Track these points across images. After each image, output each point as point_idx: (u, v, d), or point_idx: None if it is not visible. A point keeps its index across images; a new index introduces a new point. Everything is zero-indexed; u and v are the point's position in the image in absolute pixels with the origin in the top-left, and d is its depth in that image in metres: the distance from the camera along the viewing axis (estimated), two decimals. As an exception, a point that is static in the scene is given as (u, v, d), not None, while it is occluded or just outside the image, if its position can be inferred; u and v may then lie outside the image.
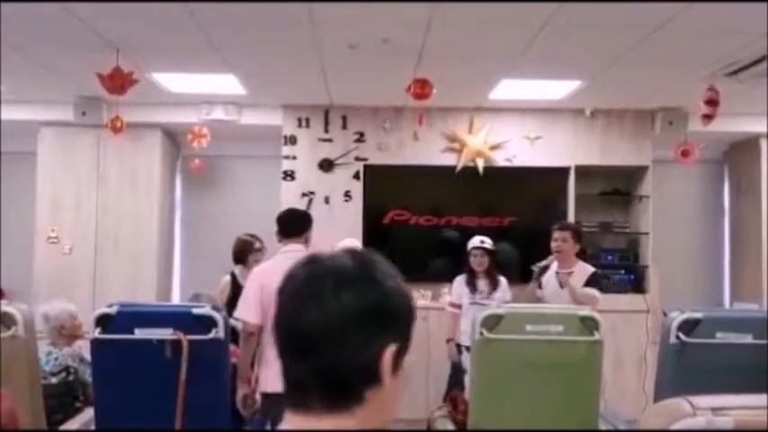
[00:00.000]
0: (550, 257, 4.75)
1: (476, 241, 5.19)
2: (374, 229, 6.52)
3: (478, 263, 5.14)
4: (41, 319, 4.08)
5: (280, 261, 3.68)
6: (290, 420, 1.06)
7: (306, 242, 3.91)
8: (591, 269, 4.76)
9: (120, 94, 4.76)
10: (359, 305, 1.05)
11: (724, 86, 4.87)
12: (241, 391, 3.64)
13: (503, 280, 5.21)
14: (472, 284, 5.15)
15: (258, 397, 3.65)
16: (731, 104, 4.95)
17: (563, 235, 4.75)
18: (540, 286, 4.79)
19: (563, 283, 4.57)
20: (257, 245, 5.50)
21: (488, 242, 5.19)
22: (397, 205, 6.78)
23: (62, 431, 3.51)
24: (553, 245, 4.76)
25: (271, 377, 3.45)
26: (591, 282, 4.62)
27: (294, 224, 3.94)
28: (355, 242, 5.44)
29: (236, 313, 3.68)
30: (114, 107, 5.61)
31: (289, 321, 1.08)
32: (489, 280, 5.16)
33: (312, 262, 1.11)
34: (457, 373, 5.08)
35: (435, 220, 6.73)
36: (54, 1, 3.84)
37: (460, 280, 5.27)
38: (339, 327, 1.04)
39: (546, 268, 4.75)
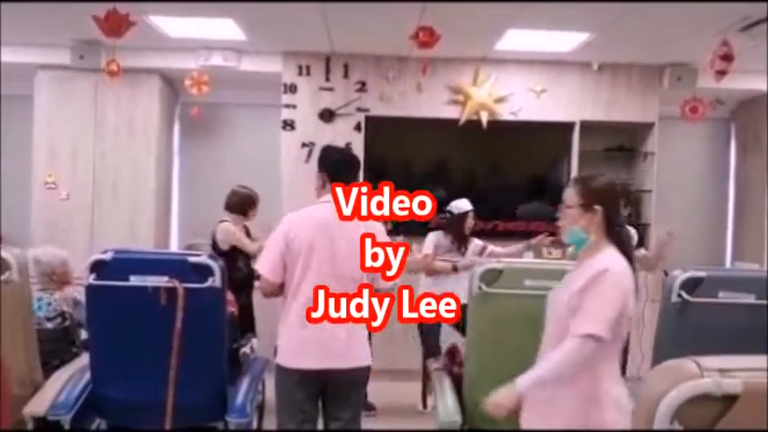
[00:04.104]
0: None
1: (469, 204, 5.19)
2: (374, 183, 6.45)
3: (468, 226, 5.17)
4: (32, 263, 4.04)
5: (315, 209, 3.18)
6: None
7: None
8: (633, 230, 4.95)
9: (117, 37, 4.65)
10: None
11: (734, 42, 4.75)
12: None
13: (474, 239, 5.26)
14: (457, 245, 5.16)
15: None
16: (740, 61, 4.85)
17: None
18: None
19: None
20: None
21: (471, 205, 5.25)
22: (398, 158, 6.70)
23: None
24: None
25: (291, 349, 3.12)
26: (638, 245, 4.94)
27: (349, 169, 3.28)
28: None
29: (257, 265, 3.25)
30: (111, 51, 5.49)
31: None
32: (465, 242, 5.20)
33: None
34: (428, 332, 5.11)
35: (437, 174, 6.67)
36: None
37: (438, 235, 5.21)
38: None
39: None
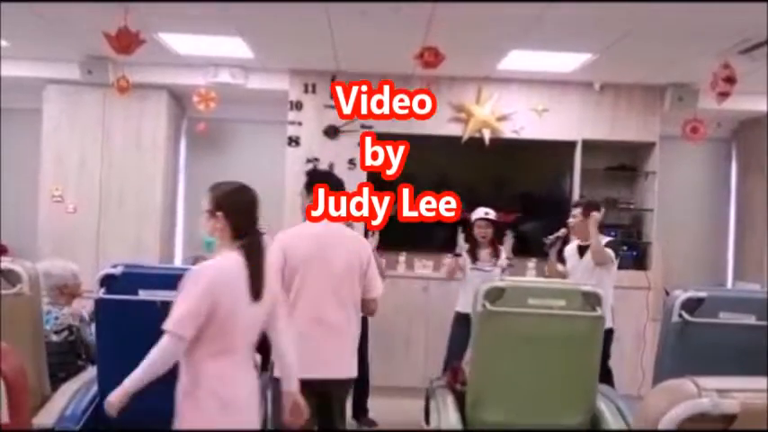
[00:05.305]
0: (562, 230, 4.94)
1: (480, 212, 5.30)
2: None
3: (483, 234, 5.26)
4: (42, 277, 4.08)
5: (309, 226, 3.40)
6: None
7: None
8: (607, 239, 4.96)
9: (127, 54, 4.72)
10: None
11: (735, 64, 4.82)
12: None
13: (503, 249, 5.31)
14: (473, 253, 5.24)
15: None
16: (741, 82, 4.92)
17: (575, 212, 4.98)
18: (563, 261, 4.97)
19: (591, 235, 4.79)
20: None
21: (492, 213, 5.27)
22: (401, 174, 6.74)
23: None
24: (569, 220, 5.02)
25: None
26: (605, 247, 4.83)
27: (340, 189, 3.46)
28: None
29: None
30: (120, 67, 5.57)
31: None
32: (491, 249, 5.27)
33: None
34: (455, 342, 5.16)
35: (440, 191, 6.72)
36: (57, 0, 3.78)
37: (464, 246, 5.33)
38: None
39: (557, 240, 4.92)
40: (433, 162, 6.72)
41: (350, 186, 3.74)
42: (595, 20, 4.60)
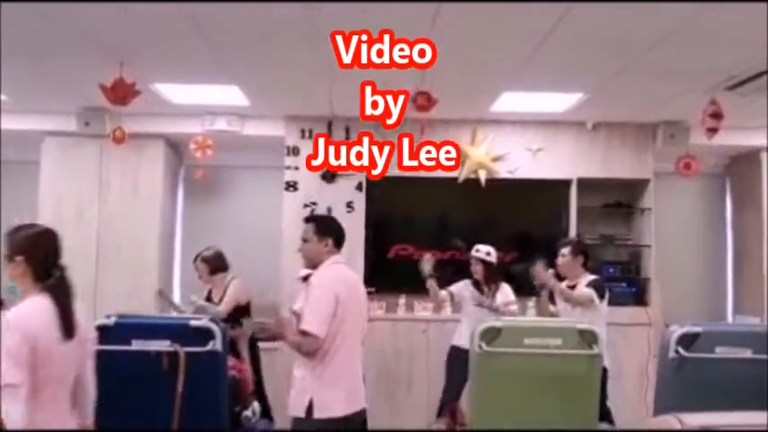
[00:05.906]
0: (550, 271, 4.91)
1: (473, 249, 5.44)
2: (376, 240, 6.53)
3: (474, 270, 5.43)
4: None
5: (340, 269, 3.58)
6: None
7: None
8: (591, 277, 4.93)
9: (123, 105, 4.79)
10: None
11: (725, 100, 4.88)
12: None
13: (504, 285, 5.44)
14: (478, 288, 5.40)
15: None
16: (732, 118, 4.97)
17: (561, 251, 5.00)
18: (553, 301, 4.99)
19: (545, 287, 4.85)
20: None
21: (483, 251, 5.40)
22: (399, 216, 6.78)
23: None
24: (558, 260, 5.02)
25: (340, 399, 3.34)
26: (588, 286, 4.78)
27: (344, 234, 3.68)
28: None
29: (307, 325, 3.28)
30: (117, 117, 5.64)
31: None
32: (490, 288, 5.39)
33: None
34: (451, 376, 5.15)
35: (439, 231, 6.75)
36: (59, 1, 3.83)
37: (467, 282, 5.51)
38: None
39: None
40: (431, 203, 6.75)
41: (348, 230, 3.79)
42: (584, 60, 4.66)
